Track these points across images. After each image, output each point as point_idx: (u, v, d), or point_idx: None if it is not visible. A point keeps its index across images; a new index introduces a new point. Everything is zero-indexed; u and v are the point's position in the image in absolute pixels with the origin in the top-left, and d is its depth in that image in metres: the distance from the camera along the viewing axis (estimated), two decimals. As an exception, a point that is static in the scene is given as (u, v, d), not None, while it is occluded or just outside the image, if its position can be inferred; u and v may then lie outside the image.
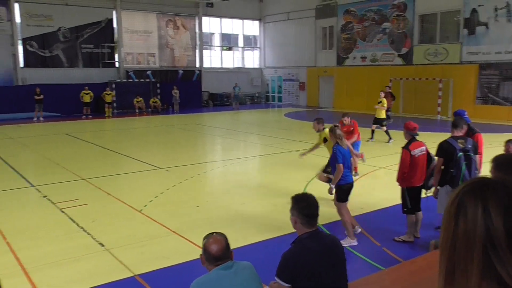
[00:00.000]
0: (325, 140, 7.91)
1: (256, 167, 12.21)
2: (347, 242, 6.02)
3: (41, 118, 23.43)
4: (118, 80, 27.76)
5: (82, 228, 6.97)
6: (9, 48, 25.23)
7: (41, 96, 23.35)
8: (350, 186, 6.25)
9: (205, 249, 2.86)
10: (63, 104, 25.11)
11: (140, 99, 26.95)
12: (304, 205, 3.11)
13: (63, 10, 26.41)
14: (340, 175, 6.04)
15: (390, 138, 14.65)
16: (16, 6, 25.21)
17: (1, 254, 6.03)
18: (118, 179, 10.66)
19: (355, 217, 6.92)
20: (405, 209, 6.28)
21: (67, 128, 20.34)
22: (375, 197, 8.52)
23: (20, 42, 25.54)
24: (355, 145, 9.93)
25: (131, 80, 28.51)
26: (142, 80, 28.64)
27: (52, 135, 18.44)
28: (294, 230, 3.21)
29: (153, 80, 28.98)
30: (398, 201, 6.56)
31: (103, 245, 6.26)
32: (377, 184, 9.63)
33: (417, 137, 6.26)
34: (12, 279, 5.13)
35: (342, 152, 6.10)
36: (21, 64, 25.71)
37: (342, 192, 6.15)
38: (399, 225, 6.69)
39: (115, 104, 26.31)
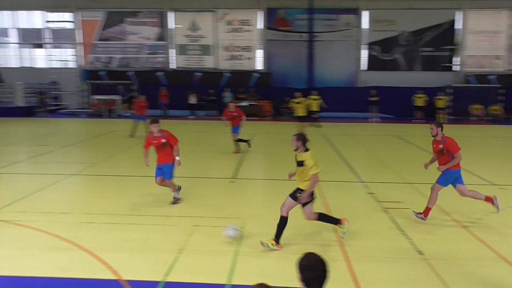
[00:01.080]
0: (300, 163, 6.11)
1: None
2: None
3: (376, 119, 24.87)
4: (455, 85, 26.46)
5: (402, 231, 6.91)
6: (354, 52, 27.97)
7: (377, 98, 24.85)
8: None
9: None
10: (397, 107, 25.88)
11: (479, 106, 24.94)
12: None
13: (406, 14, 27.23)
14: None
15: None
16: (365, 14, 27.62)
17: (331, 244, 6.62)
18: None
19: None
20: None
21: (398, 130, 20.86)
22: None
23: (364, 46, 27.95)
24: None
25: (469, 84, 26.69)
26: (482, 85, 26.33)
27: (383, 136, 19.28)
28: None
29: (496, 85, 26.18)
30: None
31: (421, 253, 6.02)
32: None
33: None
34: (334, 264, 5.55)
35: None
36: (363, 67, 28.07)
37: None
38: None
39: (449, 110, 25.20)
